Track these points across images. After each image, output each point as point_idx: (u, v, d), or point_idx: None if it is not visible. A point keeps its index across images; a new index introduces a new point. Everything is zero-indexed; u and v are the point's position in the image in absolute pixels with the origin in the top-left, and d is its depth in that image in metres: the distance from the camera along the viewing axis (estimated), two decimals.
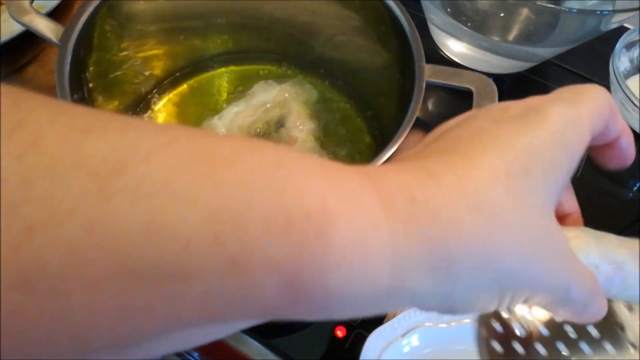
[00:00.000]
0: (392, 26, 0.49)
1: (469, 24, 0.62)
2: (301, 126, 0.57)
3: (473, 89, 0.45)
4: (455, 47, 0.72)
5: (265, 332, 0.51)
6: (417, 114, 0.43)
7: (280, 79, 0.62)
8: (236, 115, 0.58)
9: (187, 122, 0.60)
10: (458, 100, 0.67)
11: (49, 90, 0.65)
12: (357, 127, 0.60)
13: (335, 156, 0.57)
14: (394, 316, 0.50)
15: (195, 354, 0.55)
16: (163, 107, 0.61)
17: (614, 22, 0.57)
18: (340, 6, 0.54)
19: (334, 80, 0.62)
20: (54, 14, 0.67)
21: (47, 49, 0.68)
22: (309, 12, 0.58)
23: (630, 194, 0.64)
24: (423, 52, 0.47)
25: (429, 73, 0.46)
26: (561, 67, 0.73)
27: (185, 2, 0.56)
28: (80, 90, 0.48)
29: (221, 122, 0.57)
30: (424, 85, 0.45)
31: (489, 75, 0.74)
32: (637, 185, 0.65)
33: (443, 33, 0.71)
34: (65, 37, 0.45)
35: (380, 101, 0.57)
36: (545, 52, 0.68)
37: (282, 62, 0.64)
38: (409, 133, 0.42)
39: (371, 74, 0.57)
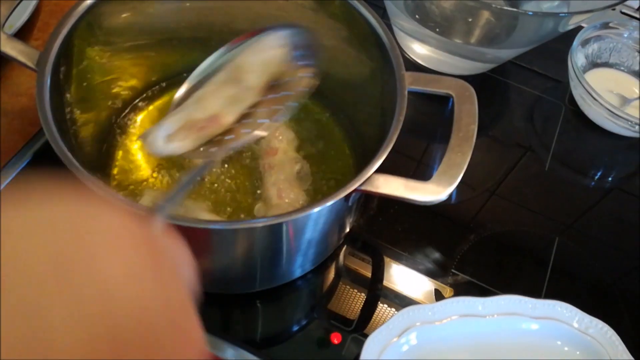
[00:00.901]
0: (369, 35, 0.51)
1: (437, 30, 0.64)
2: (280, 136, 0.58)
3: (453, 94, 0.47)
4: (419, 50, 0.74)
5: (259, 342, 0.51)
6: (401, 124, 0.44)
7: None
8: None
9: None
10: (432, 103, 0.69)
11: (15, 115, 0.63)
12: (336, 137, 0.60)
13: (316, 167, 0.57)
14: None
15: None
16: (145, 119, 0.60)
17: (572, 23, 0.60)
18: (319, 15, 0.55)
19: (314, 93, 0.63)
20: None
21: (8, 71, 0.66)
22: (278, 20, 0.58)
23: (592, 183, 0.68)
24: (402, 61, 0.48)
25: (409, 80, 0.48)
26: (521, 66, 0.77)
27: (165, 17, 0.56)
28: (61, 110, 0.47)
29: None
30: (407, 92, 0.46)
31: (452, 77, 0.77)
32: (598, 174, 0.69)
33: (408, 37, 0.74)
34: (42, 62, 0.44)
35: (359, 110, 0.58)
36: (505, 53, 0.71)
37: None
38: None
39: (349, 82, 0.58)
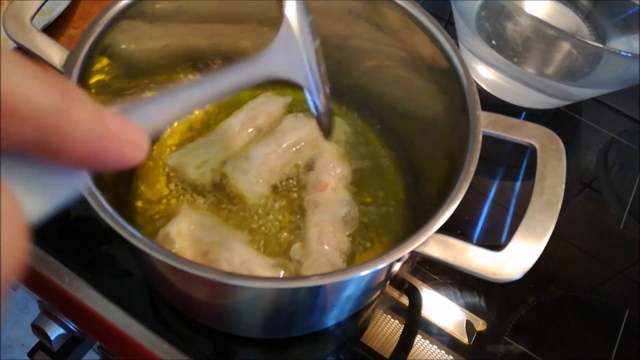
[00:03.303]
0: (442, 64, 0.44)
1: (515, 60, 0.56)
2: (332, 171, 0.51)
3: (536, 145, 0.39)
4: (485, 74, 0.67)
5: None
6: (471, 178, 0.37)
7: (307, 110, 0.56)
8: (267, 157, 0.51)
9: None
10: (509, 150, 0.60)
11: None
12: (391, 178, 0.53)
13: (365, 209, 0.51)
14: None
15: None
16: (172, 137, 0.55)
17: None
18: (381, 33, 0.48)
19: (369, 118, 0.56)
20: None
21: None
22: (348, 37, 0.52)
23: None
24: (478, 98, 0.41)
25: (484, 122, 0.41)
26: (605, 105, 0.68)
27: (203, 24, 0.51)
28: None
29: (253, 167, 0.50)
30: (480, 138, 0.39)
31: (521, 109, 0.69)
32: None
33: (475, 58, 0.66)
34: (70, 63, 0.39)
35: (420, 146, 0.51)
36: (584, 92, 0.63)
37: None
38: None
39: (410, 111, 0.51)
